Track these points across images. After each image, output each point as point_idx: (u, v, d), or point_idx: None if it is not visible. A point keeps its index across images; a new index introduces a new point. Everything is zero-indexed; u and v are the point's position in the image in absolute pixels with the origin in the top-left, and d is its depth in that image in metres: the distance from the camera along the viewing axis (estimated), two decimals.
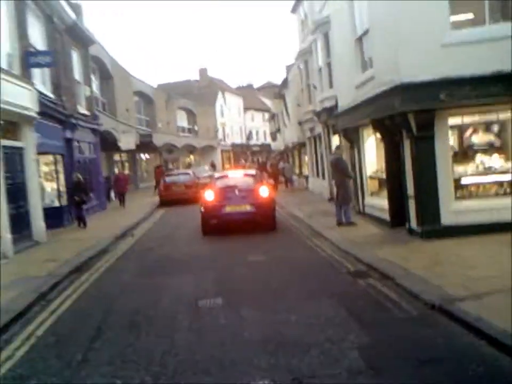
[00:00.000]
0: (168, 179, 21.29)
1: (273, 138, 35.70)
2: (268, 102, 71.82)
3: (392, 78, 8.72)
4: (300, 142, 22.15)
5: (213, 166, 46.24)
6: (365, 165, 12.27)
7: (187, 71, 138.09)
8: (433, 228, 8.62)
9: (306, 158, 22.65)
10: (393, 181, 10.23)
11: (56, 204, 15.09)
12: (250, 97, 66.95)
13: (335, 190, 12.26)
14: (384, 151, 10.50)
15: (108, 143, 26.55)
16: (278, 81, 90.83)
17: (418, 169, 8.85)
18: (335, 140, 15.67)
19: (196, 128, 47.75)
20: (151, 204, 21.15)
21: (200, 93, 55.22)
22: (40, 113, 12.99)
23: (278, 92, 26.83)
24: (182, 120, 46.23)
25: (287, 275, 7.30)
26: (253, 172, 15.19)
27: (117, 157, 32.61)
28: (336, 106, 13.76)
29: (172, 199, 20.54)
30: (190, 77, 62.72)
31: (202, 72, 59.18)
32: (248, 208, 11.41)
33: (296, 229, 12.20)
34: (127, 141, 26.26)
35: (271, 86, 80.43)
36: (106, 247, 11.16)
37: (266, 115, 69.21)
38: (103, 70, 25.45)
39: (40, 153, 13.99)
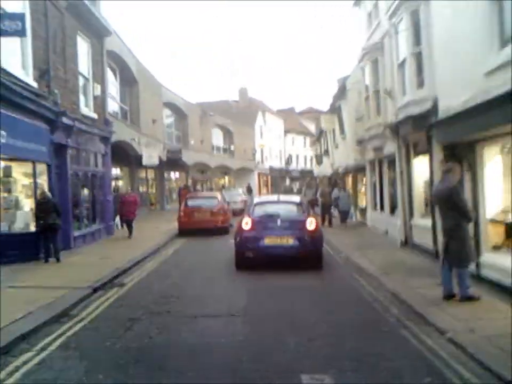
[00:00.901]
0: (190, 203, 17.09)
1: (318, 161, 31.12)
2: (310, 126, 67.84)
3: None
4: (357, 165, 17.64)
5: (249, 190, 42.29)
6: (483, 200, 7.73)
7: (226, 92, 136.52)
8: None
9: (363, 187, 18.10)
10: None
11: (32, 228, 11.22)
12: (291, 120, 63.21)
13: (439, 237, 7.74)
14: None
15: (129, 157, 23.08)
16: (321, 107, 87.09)
17: None
18: (419, 162, 11.20)
19: (232, 148, 44.06)
20: (168, 232, 17.07)
21: (239, 113, 51.87)
22: (11, 104, 9.33)
23: (332, 104, 22.36)
24: (217, 138, 42.70)
25: None
26: (297, 199, 12.27)
27: (141, 173, 29.13)
28: (432, 111, 9.29)
29: (193, 228, 16.41)
30: (229, 98, 59.69)
31: (242, 91, 55.95)
32: (290, 242, 9.66)
33: (371, 297, 7.60)
34: (149, 156, 22.58)
35: (313, 111, 76.65)
36: (66, 309, 7.00)
37: (308, 140, 65.17)
38: (125, 72, 22.00)
39: (8, 159, 10.31)
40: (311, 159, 66.05)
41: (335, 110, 20.56)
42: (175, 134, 32.43)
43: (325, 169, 28.63)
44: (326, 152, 26.71)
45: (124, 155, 22.85)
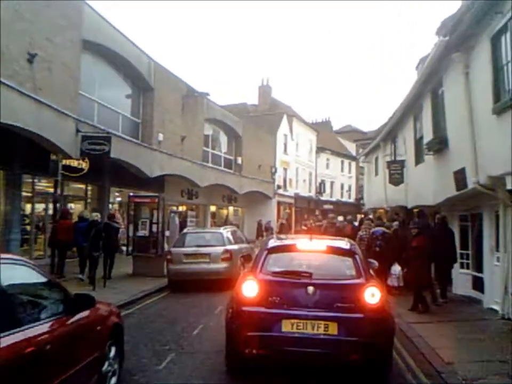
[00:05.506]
0: None
1: (395, 179, 15.39)
2: (350, 146, 52.75)
3: None
4: None
5: (268, 230, 26.46)
6: None
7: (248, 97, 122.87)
8: None
9: None
10: None
11: None
12: (327, 136, 48.00)
13: None
14: None
15: None
16: (361, 126, 70.79)
17: None
18: None
19: (240, 161, 29.05)
20: None
21: (257, 116, 37.26)
22: None
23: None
24: (217, 143, 27.91)
25: None
26: (345, 244, 5.93)
27: (42, 183, 14.48)
28: None
29: None
30: (248, 101, 45.30)
31: (264, 90, 41.33)
32: (331, 330, 4.71)
33: None
34: None
35: (351, 130, 61.76)
36: None
37: (346, 163, 49.89)
38: None
39: None
40: (349, 189, 50.60)
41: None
42: (123, 117, 17.66)
43: (415, 193, 13.17)
44: (440, 143, 10.68)
45: None
